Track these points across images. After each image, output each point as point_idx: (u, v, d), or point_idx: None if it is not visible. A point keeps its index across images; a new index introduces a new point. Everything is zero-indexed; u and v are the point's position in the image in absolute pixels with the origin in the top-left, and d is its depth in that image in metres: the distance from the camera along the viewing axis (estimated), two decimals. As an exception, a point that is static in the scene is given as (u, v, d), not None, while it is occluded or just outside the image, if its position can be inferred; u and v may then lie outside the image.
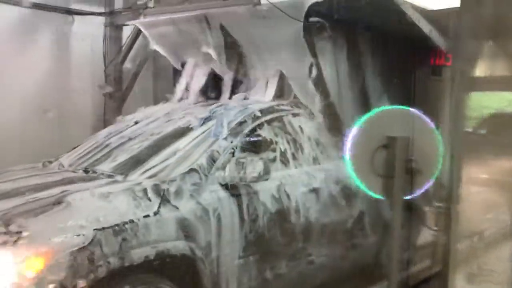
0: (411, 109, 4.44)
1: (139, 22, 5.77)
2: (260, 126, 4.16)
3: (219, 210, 3.54)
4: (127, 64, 6.41)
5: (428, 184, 4.50)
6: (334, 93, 4.78)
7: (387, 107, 4.47)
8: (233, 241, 3.63)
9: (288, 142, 4.30)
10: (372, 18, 4.77)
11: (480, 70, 5.92)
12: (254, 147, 4.04)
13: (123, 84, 6.34)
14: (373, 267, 4.77)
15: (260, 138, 4.12)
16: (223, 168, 3.68)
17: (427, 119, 4.49)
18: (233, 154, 3.82)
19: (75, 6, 6.33)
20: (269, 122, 4.25)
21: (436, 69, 5.65)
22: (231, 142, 3.88)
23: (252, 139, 4.06)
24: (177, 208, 3.35)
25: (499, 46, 6.04)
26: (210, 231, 3.48)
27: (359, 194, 4.47)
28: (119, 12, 6.25)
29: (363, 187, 4.35)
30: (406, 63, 5.55)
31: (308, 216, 4.15)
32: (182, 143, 3.93)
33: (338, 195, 4.43)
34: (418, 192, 4.45)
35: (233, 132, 3.96)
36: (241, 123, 4.06)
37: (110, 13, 6.27)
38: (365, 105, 4.97)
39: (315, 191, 4.26)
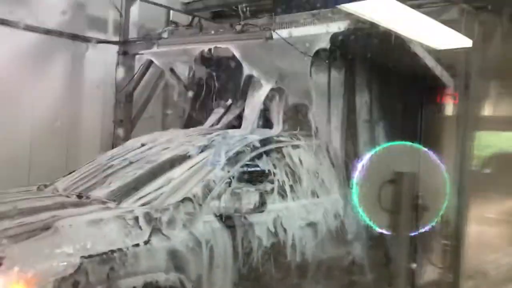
0: (418, 146, 4.28)
1: (152, 53, 5.62)
2: (258, 156, 3.92)
3: (212, 242, 3.29)
4: (138, 92, 6.22)
5: (434, 221, 4.34)
6: (333, 126, 4.55)
7: (395, 142, 4.27)
8: (225, 274, 3.36)
9: (286, 174, 4.03)
10: (381, 55, 4.57)
11: (486, 110, 5.73)
12: (252, 178, 3.80)
13: (133, 111, 6.13)
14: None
15: (258, 169, 3.87)
16: (219, 198, 3.45)
17: (433, 156, 4.31)
18: (229, 184, 3.58)
19: (90, 34, 6.18)
20: (268, 153, 4.00)
21: (442, 107, 5.47)
22: (228, 172, 3.65)
23: (249, 169, 3.82)
24: (168, 238, 3.10)
25: (505, 87, 5.86)
26: (202, 263, 3.22)
27: (358, 229, 4.21)
28: (133, 41, 6.09)
29: (369, 221, 4.14)
30: (414, 101, 5.38)
31: (304, 251, 3.88)
32: (178, 171, 3.70)
33: (336, 230, 4.15)
34: (424, 229, 4.28)
35: (230, 162, 3.72)
36: (238, 153, 3.82)
37: (124, 42, 6.11)
38: (370, 142, 4.72)
39: (312, 225, 3.98)
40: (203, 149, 3.93)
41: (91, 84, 6.19)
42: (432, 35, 4.33)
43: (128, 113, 6.09)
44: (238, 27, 4.98)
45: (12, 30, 5.45)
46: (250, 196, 3.37)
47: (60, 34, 5.87)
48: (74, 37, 6.02)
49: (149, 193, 3.48)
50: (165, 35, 5.74)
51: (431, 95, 5.53)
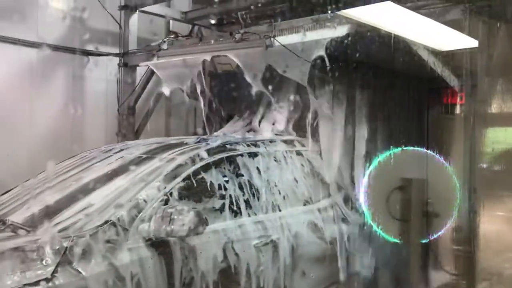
0: (426, 150, 4.18)
1: (153, 63, 5.54)
2: (205, 168, 3.37)
3: (139, 275, 2.76)
4: (141, 104, 6.13)
5: (446, 227, 4.23)
6: (335, 134, 4.41)
7: (402, 148, 4.17)
8: None
9: (240, 188, 3.52)
10: (384, 58, 4.48)
11: (494, 107, 5.61)
12: (195, 194, 3.26)
13: (136, 124, 6.04)
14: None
15: (203, 183, 3.33)
16: (150, 220, 2.90)
17: (442, 160, 4.21)
18: (165, 203, 3.05)
19: (90, 47, 6.10)
20: (217, 163, 3.47)
21: (449, 107, 5.38)
22: (164, 188, 3.11)
23: (192, 185, 3.27)
24: (80, 272, 2.55)
25: (510, 84, 5.75)
26: None
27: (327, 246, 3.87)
28: (133, 53, 6.00)
29: (379, 230, 4.04)
30: (419, 103, 5.30)
31: (261, 274, 3.38)
32: (105, 191, 3.17)
33: (302, 249, 3.67)
34: (436, 236, 4.18)
35: (167, 178, 3.17)
36: (179, 166, 3.28)
37: (124, 54, 6.02)
38: (375, 145, 4.59)
39: (272, 244, 3.49)
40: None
41: (93, 97, 6.12)
42: (435, 37, 4.23)
43: (131, 126, 6.00)
44: (238, 36, 4.88)
45: (12, 46, 5.40)
46: (183, 216, 2.81)
47: (60, 48, 5.81)
48: (74, 50, 5.95)
49: (70, 217, 2.93)
50: (164, 46, 5.64)
51: (437, 96, 5.45)
